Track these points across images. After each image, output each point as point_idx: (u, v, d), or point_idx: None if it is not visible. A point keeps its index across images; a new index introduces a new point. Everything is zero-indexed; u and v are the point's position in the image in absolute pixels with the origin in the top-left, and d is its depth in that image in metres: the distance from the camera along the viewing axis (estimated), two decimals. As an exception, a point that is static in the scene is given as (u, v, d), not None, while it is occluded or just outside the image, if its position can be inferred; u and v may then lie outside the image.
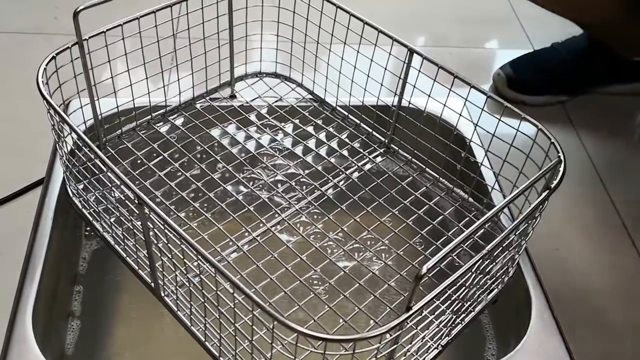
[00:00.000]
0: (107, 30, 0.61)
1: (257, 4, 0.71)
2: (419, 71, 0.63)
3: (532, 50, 1.06)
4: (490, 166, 0.68)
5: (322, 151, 0.71)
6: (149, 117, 0.71)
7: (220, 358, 0.52)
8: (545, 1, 0.91)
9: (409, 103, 0.67)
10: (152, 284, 0.57)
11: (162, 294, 0.56)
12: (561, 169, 0.52)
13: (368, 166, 0.70)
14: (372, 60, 0.66)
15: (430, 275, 0.43)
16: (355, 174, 0.68)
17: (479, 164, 0.69)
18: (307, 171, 0.69)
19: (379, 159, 0.71)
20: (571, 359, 0.59)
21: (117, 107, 0.68)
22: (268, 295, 0.55)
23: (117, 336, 0.69)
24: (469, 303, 0.53)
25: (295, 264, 0.58)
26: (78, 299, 0.70)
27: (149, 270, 0.56)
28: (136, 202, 0.48)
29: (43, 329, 0.60)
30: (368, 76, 0.67)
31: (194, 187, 0.65)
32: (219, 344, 0.51)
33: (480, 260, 0.47)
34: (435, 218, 0.63)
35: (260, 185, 0.67)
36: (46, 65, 0.58)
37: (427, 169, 0.69)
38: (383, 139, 0.72)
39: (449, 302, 0.49)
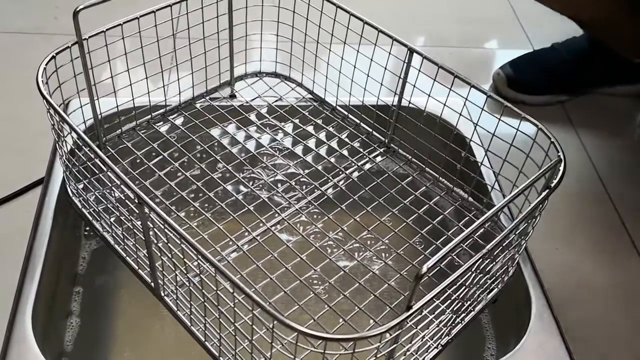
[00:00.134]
0: (107, 29, 0.61)
1: (257, 4, 0.71)
2: (419, 71, 0.63)
3: (532, 50, 1.06)
4: (490, 166, 0.68)
5: (322, 151, 0.71)
6: (149, 116, 0.71)
7: (220, 358, 0.52)
8: None
9: (409, 103, 0.67)
10: (152, 284, 0.57)
11: (162, 294, 0.56)
12: (561, 169, 0.52)
13: (368, 166, 0.70)
14: (372, 59, 0.66)
15: (430, 274, 0.43)
16: (355, 174, 0.68)
17: (479, 164, 0.69)
18: (307, 171, 0.69)
19: (378, 158, 0.71)
20: (571, 358, 0.59)
21: (117, 106, 0.68)
22: (268, 294, 0.55)
23: (116, 336, 0.69)
24: (468, 302, 0.53)
25: (295, 264, 0.58)
26: (77, 299, 0.70)
27: (148, 270, 0.56)
28: (136, 201, 0.48)
29: (43, 328, 0.60)
30: (368, 76, 0.67)
31: (194, 187, 0.65)
32: (218, 344, 0.51)
33: (480, 260, 0.47)
34: (435, 218, 0.63)
35: (260, 185, 0.67)
36: (46, 64, 0.58)
37: (427, 168, 0.69)
38: (383, 139, 0.72)
39: (448, 301, 0.49)
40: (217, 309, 0.48)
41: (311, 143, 0.72)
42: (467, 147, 0.68)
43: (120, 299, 0.71)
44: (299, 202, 0.65)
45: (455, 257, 0.61)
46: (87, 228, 0.75)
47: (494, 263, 0.52)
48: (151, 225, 0.50)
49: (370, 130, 0.73)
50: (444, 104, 0.63)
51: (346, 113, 0.74)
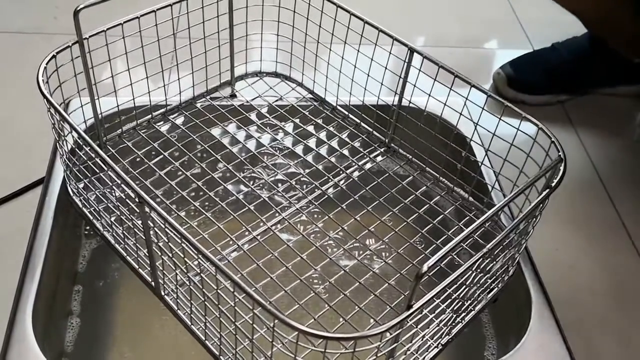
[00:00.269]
0: (108, 29, 0.61)
1: (257, 4, 0.71)
2: (420, 70, 0.63)
3: (532, 50, 1.06)
4: (490, 165, 0.68)
5: (323, 150, 0.71)
6: (149, 116, 0.71)
7: (221, 357, 0.52)
8: None
9: (410, 102, 0.67)
10: (153, 283, 0.57)
11: (163, 293, 0.56)
12: (562, 168, 0.52)
13: (368, 165, 0.70)
14: (372, 59, 0.66)
15: (430, 274, 0.43)
16: (356, 174, 0.68)
17: (479, 163, 0.69)
18: (307, 170, 0.69)
19: (379, 158, 0.71)
20: (571, 358, 0.59)
21: (118, 106, 0.68)
22: (268, 294, 0.55)
23: (116, 335, 0.69)
24: (469, 302, 0.53)
25: (295, 263, 0.58)
26: (78, 298, 0.70)
27: (149, 269, 0.56)
28: (137, 200, 0.48)
29: (43, 327, 0.60)
30: (368, 75, 0.67)
31: (194, 186, 0.65)
32: (219, 343, 0.51)
33: (481, 259, 0.47)
34: (436, 217, 0.63)
35: (261, 185, 0.67)
36: (46, 64, 0.58)
37: (427, 168, 0.69)
38: (383, 138, 0.72)
39: (449, 300, 0.49)
40: (217, 308, 0.48)
41: (311, 143, 0.72)
42: (467, 146, 0.68)
43: (121, 298, 0.72)
44: (299, 202, 0.65)
45: (455, 256, 0.61)
46: (88, 227, 0.75)
47: (494, 262, 0.52)
48: (151, 225, 0.50)
49: (371, 129, 0.73)
50: (445, 104, 0.63)
51: (346, 113, 0.74)
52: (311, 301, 0.55)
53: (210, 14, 0.68)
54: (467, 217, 0.65)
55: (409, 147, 0.70)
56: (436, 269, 0.44)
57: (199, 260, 0.47)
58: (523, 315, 0.62)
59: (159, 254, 0.52)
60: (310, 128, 0.73)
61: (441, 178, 0.68)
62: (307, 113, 0.73)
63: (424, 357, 0.53)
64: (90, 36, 0.60)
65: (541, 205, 0.53)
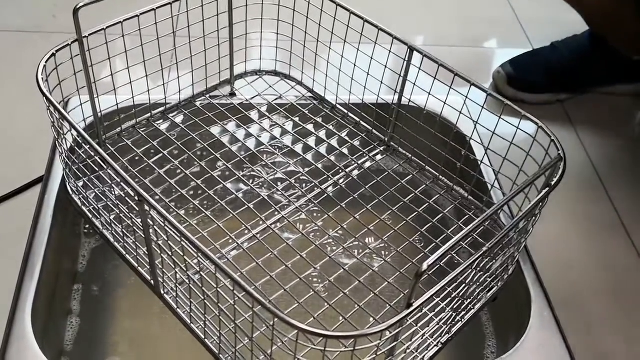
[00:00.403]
0: (107, 27, 0.61)
1: (257, 2, 0.71)
2: (419, 69, 0.63)
3: (532, 49, 1.06)
4: (490, 164, 0.68)
5: (322, 149, 0.71)
6: (149, 114, 0.71)
7: (220, 355, 0.52)
8: None
9: (409, 101, 0.67)
10: (152, 282, 0.57)
11: (162, 292, 0.56)
12: (561, 167, 0.52)
13: (368, 164, 0.70)
14: (372, 58, 0.66)
15: (430, 272, 0.43)
16: (355, 172, 0.68)
17: (479, 162, 0.69)
18: (307, 169, 0.69)
19: (379, 157, 0.71)
20: (571, 357, 0.59)
21: (117, 104, 0.68)
22: (268, 292, 0.55)
23: (116, 333, 0.69)
24: (468, 301, 0.53)
25: (295, 262, 0.58)
26: (77, 297, 0.70)
27: (148, 267, 0.56)
28: (136, 199, 0.48)
29: (42, 326, 0.60)
30: (368, 74, 0.67)
31: (193, 185, 0.65)
32: (218, 341, 0.51)
33: (480, 258, 0.47)
34: (435, 216, 0.63)
35: (260, 183, 0.67)
36: (46, 62, 0.58)
37: (427, 167, 0.69)
38: (383, 137, 0.72)
39: (448, 299, 0.49)
40: (217, 307, 0.48)
41: (311, 141, 0.72)
42: (467, 145, 0.68)
43: (120, 296, 0.71)
44: (299, 200, 0.65)
45: (455, 255, 0.61)
46: (87, 226, 0.75)
47: (494, 261, 0.52)
48: (151, 223, 0.50)
49: (370, 128, 0.73)
50: (444, 103, 0.63)
51: (346, 111, 0.74)
52: (311, 300, 0.55)
53: (210, 12, 0.68)
54: (467, 216, 0.65)
55: (408, 145, 0.70)
56: (436, 268, 0.44)
57: (199, 258, 0.47)
58: (523, 313, 0.62)
59: (159, 252, 0.52)
60: (310, 126, 0.73)
61: (441, 177, 0.68)
62: (306, 112, 0.73)
63: (424, 356, 0.53)
64: (89, 34, 0.60)
65: (541, 203, 0.53)
